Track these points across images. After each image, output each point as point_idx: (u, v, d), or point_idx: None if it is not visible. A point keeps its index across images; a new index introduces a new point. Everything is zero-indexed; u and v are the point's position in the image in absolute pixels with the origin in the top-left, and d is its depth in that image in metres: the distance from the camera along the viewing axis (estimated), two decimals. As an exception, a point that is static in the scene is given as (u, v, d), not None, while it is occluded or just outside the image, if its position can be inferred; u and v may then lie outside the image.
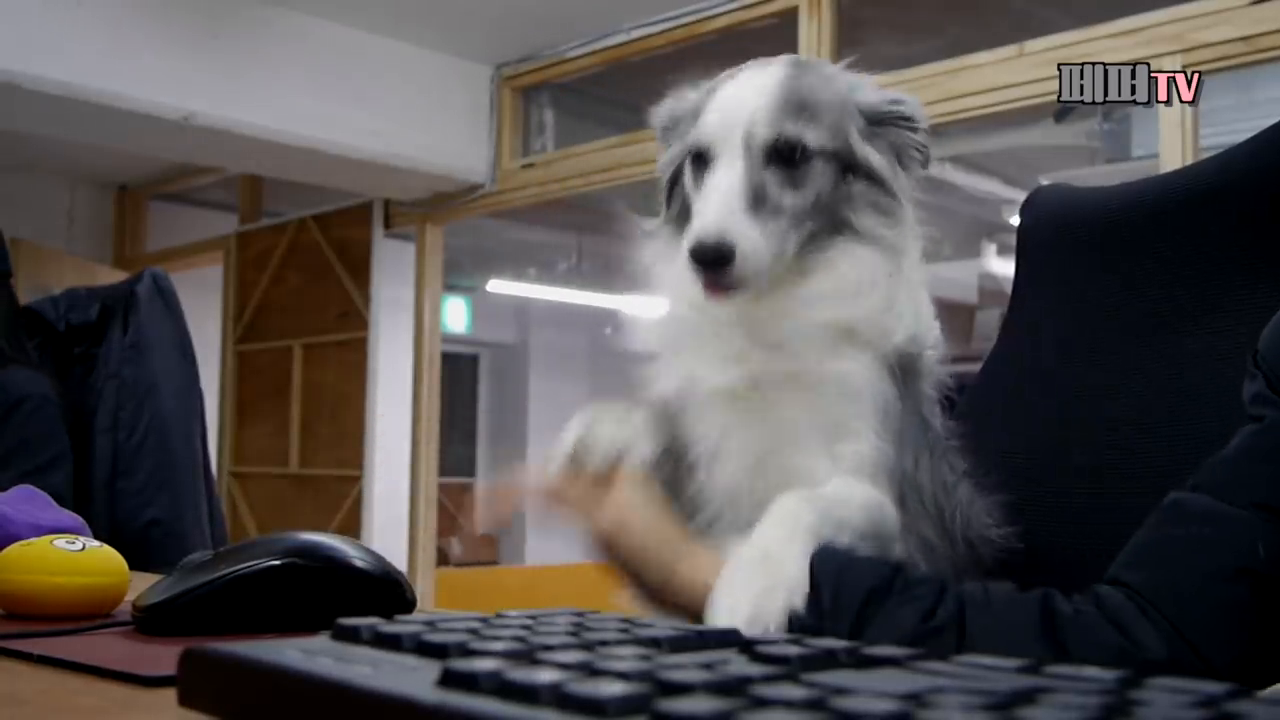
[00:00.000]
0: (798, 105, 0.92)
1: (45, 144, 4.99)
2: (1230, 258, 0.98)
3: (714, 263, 0.87)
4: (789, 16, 4.03)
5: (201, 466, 2.29)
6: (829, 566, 0.80)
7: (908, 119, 0.97)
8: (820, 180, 0.92)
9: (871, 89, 0.97)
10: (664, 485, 0.95)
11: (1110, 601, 0.76)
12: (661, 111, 1.05)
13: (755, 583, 0.79)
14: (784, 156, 0.91)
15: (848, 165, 0.94)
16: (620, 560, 0.90)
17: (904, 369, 0.94)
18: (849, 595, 0.78)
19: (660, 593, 0.88)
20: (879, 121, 0.96)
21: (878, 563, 0.82)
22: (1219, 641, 0.72)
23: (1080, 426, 1.04)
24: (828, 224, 0.94)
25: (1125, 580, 0.77)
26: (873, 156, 0.94)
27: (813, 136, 0.91)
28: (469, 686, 0.36)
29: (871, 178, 0.95)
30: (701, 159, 0.94)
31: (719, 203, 0.89)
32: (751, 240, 0.88)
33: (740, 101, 0.93)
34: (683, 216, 0.98)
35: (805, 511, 0.84)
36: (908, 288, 0.98)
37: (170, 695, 0.46)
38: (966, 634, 0.76)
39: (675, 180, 1.01)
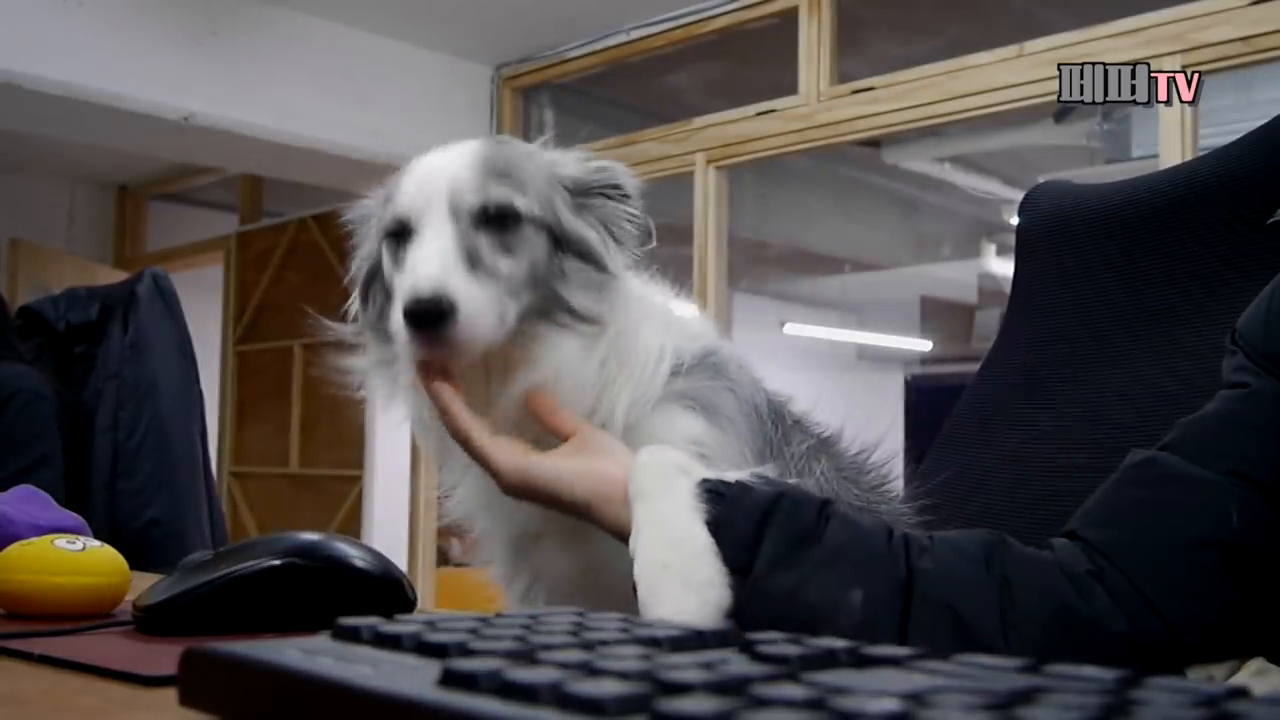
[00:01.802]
0: (501, 171, 0.87)
1: (45, 144, 4.99)
2: (1223, 255, 0.98)
3: (435, 319, 0.80)
4: (789, 16, 4.03)
5: (201, 466, 2.29)
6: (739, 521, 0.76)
7: (615, 187, 0.92)
8: (533, 249, 0.87)
9: (574, 162, 0.92)
10: None
11: (1064, 554, 0.74)
12: (351, 213, 0.99)
13: (675, 588, 0.74)
14: (494, 221, 0.86)
15: (558, 240, 0.89)
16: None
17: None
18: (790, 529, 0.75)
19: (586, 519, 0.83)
20: (585, 193, 0.91)
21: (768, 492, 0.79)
22: (1188, 609, 0.71)
23: (1080, 425, 1.04)
24: (541, 301, 0.88)
25: (1084, 536, 0.75)
26: (582, 230, 0.89)
27: (521, 202, 0.86)
28: (469, 686, 0.36)
29: (582, 253, 0.89)
30: (402, 234, 0.87)
31: (432, 260, 0.83)
32: (473, 296, 0.82)
33: (439, 171, 0.88)
34: (385, 317, 0.90)
35: (674, 473, 0.79)
36: (625, 360, 0.90)
37: (170, 695, 0.46)
38: (911, 547, 0.74)
39: (371, 279, 0.94)
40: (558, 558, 0.90)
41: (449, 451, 0.92)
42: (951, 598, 0.72)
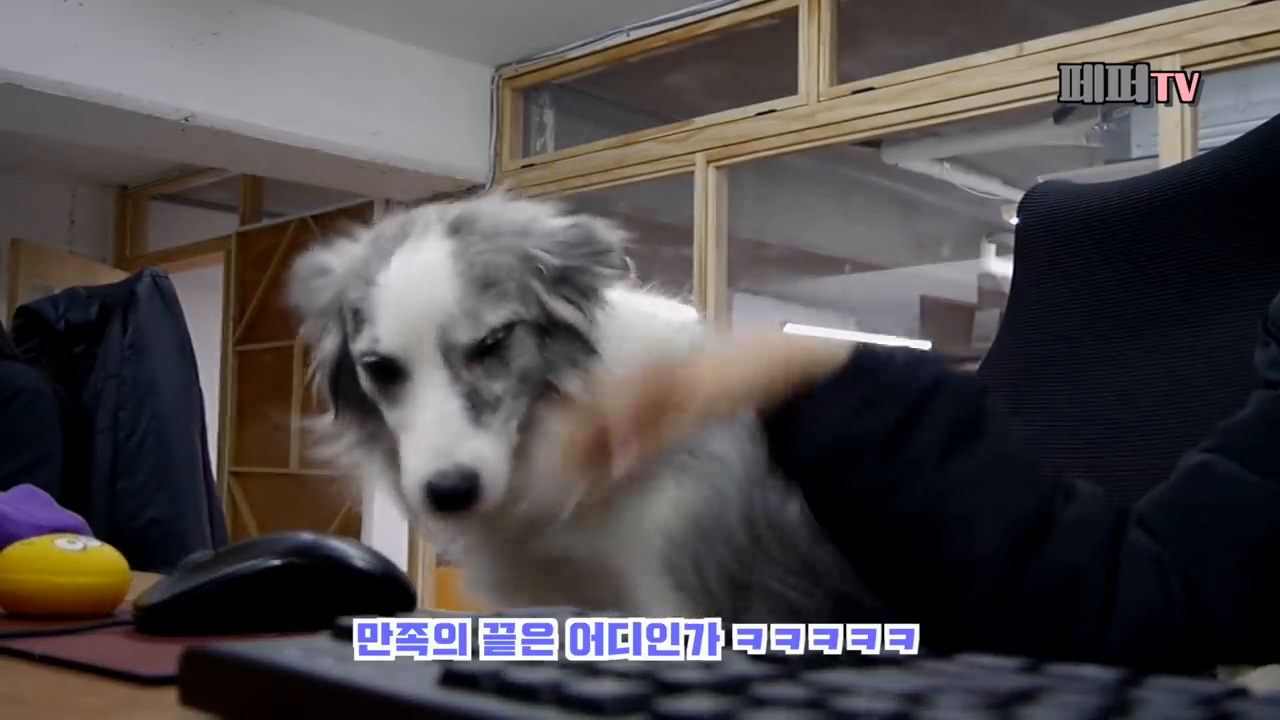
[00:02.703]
0: (482, 283, 0.82)
1: (45, 144, 4.98)
2: (1221, 256, 0.98)
3: (463, 503, 0.78)
4: (789, 16, 4.03)
5: (201, 466, 2.29)
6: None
7: (590, 245, 0.86)
8: (523, 353, 0.83)
9: (542, 228, 0.86)
10: None
11: (1151, 546, 0.74)
12: (302, 288, 0.93)
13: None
14: (487, 350, 0.81)
15: (543, 328, 0.84)
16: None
17: None
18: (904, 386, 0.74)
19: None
20: (563, 269, 0.85)
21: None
22: (1235, 612, 0.71)
23: (1078, 425, 1.04)
24: (533, 391, 0.84)
25: (1155, 530, 0.75)
26: (566, 312, 0.85)
27: (507, 312, 0.82)
28: (469, 686, 0.36)
29: (568, 332, 0.85)
30: (388, 371, 0.83)
31: (439, 428, 0.79)
32: (489, 461, 0.79)
33: (417, 297, 0.81)
34: (363, 410, 0.87)
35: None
36: None
37: (170, 695, 0.46)
38: (1061, 484, 0.74)
39: (339, 369, 0.89)
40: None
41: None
42: (1073, 565, 0.72)
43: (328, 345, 0.89)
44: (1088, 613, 0.71)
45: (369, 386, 0.85)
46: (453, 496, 0.77)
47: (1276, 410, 0.75)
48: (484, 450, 0.79)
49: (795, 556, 0.85)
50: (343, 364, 0.88)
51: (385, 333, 0.81)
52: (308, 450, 0.92)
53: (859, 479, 0.73)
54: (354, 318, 0.85)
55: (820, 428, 0.74)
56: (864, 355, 0.76)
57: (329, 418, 0.91)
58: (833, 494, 0.76)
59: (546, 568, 0.86)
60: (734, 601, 0.84)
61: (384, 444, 0.86)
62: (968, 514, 0.72)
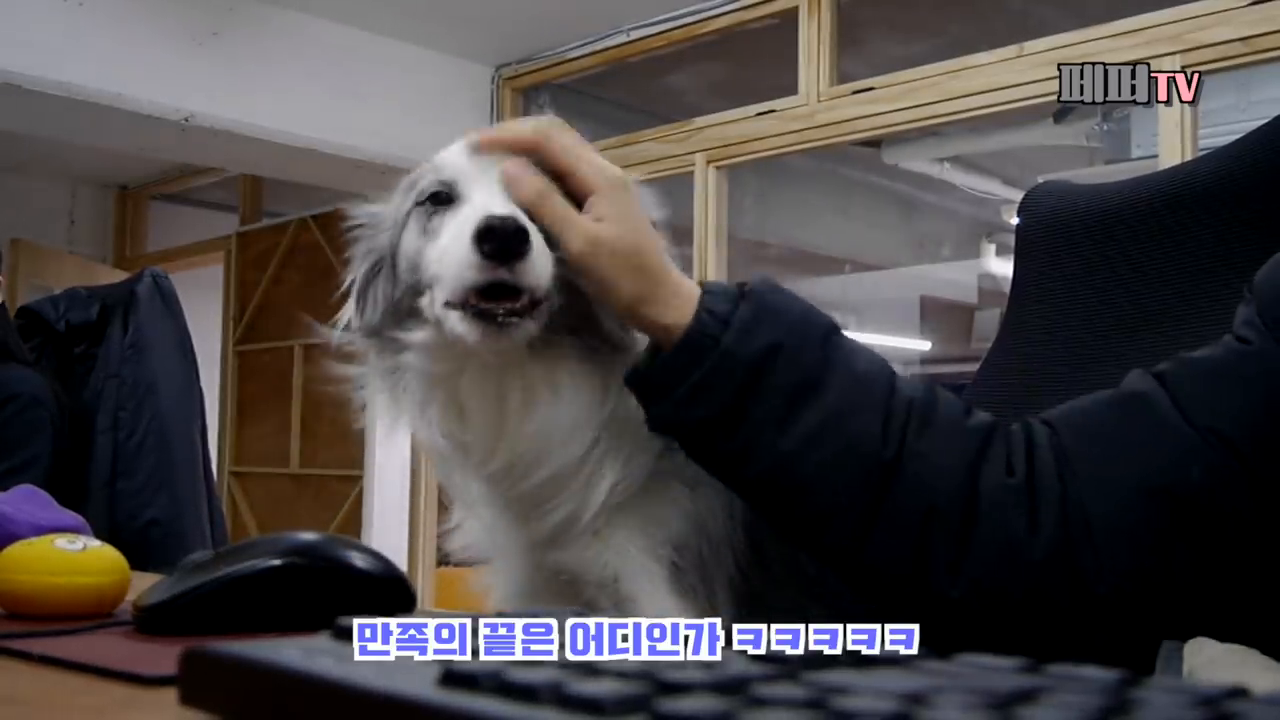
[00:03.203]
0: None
1: (45, 144, 4.99)
2: (1221, 256, 0.98)
3: (511, 238, 0.74)
4: (789, 16, 4.03)
5: (201, 466, 2.30)
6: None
7: None
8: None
9: None
10: None
11: (1042, 459, 0.74)
12: (354, 211, 0.93)
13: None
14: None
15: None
16: (592, 284, 0.79)
17: None
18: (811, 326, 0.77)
19: (628, 319, 0.80)
20: None
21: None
22: (1120, 551, 0.71)
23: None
24: (569, 314, 0.82)
25: (1061, 437, 0.75)
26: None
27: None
28: (469, 686, 0.36)
29: None
30: (444, 198, 0.83)
31: (498, 199, 0.78)
32: (539, 240, 0.77)
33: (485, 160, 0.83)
34: (390, 316, 0.86)
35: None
36: (622, 419, 0.85)
37: (170, 695, 0.46)
38: (913, 415, 0.75)
39: (373, 277, 0.88)
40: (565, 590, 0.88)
41: (458, 486, 0.91)
42: (927, 503, 0.73)
43: (368, 246, 0.90)
44: (944, 547, 0.72)
45: (414, 234, 0.84)
46: (507, 234, 0.74)
47: (1231, 364, 0.74)
48: (536, 232, 0.77)
49: (795, 568, 0.87)
50: (377, 273, 0.88)
51: (448, 162, 0.84)
52: (326, 367, 0.92)
53: (706, 451, 0.78)
54: (408, 192, 0.86)
55: (662, 409, 0.78)
56: (699, 328, 0.75)
57: (351, 331, 0.90)
58: (695, 455, 0.79)
59: (563, 578, 0.87)
60: (739, 610, 0.84)
61: (399, 379, 0.86)
62: (813, 474, 0.74)
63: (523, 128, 0.82)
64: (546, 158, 0.80)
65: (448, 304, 0.79)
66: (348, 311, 0.92)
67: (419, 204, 0.85)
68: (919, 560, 0.73)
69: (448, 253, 0.78)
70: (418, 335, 0.84)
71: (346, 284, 0.92)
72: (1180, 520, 0.71)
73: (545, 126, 0.81)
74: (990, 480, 0.74)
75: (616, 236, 0.77)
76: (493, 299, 0.77)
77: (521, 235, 0.75)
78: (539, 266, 0.77)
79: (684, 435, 0.79)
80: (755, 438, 0.75)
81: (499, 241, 0.75)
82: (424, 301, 0.83)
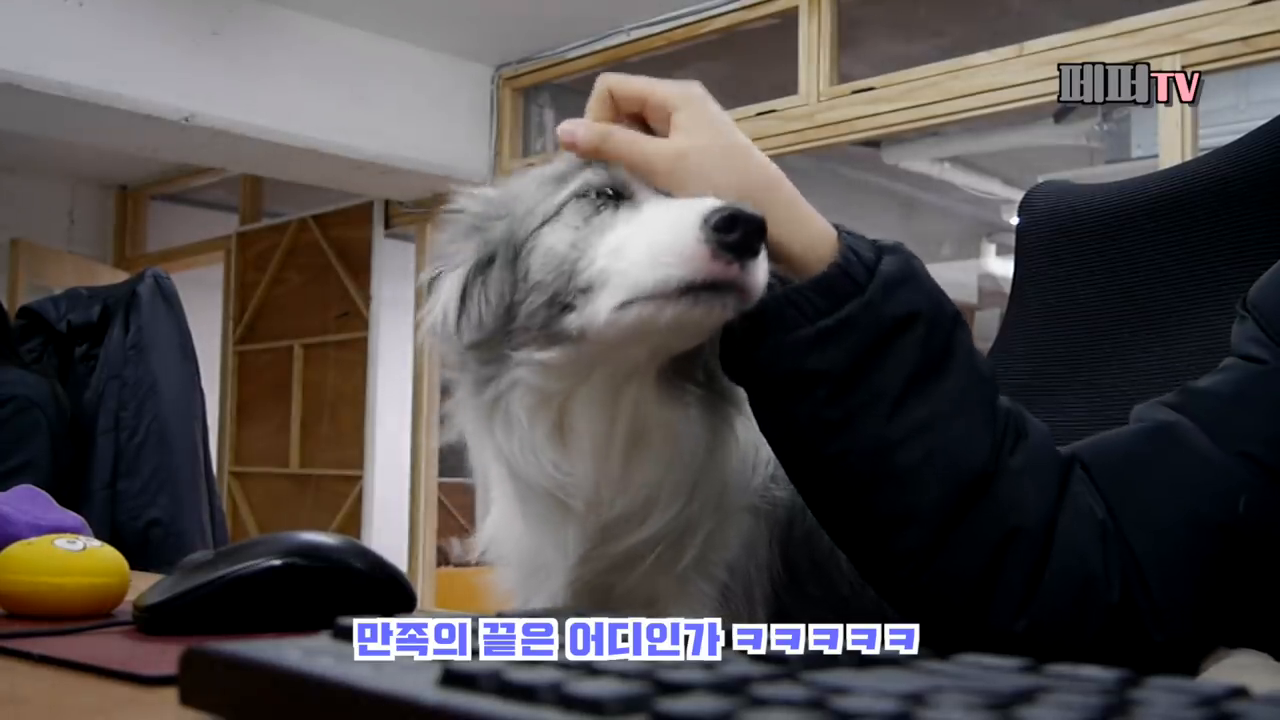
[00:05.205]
0: None
1: (46, 144, 4.99)
2: (1222, 256, 0.98)
3: (755, 237, 0.66)
4: (789, 16, 4.03)
5: (202, 466, 2.30)
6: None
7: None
8: None
9: None
10: None
11: (1083, 500, 0.71)
12: (465, 202, 0.83)
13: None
14: None
15: None
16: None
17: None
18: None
19: None
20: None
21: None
22: (1175, 591, 0.68)
23: (1079, 425, 1.04)
24: (691, 364, 0.77)
25: (1097, 481, 0.71)
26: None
27: None
28: (469, 686, 0.36)
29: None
30: (613, 195, 0.76)
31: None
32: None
33: None
34: (503, 321, 0.76)
35: None
36: (718, 464, 0.80)
37: (170, 695, 0.46)
38: (1009, 430, 0.70)
39: (482, 271, 0.78)
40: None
41: (519, 495, 0.82)
42: (1013, 524, 0.68)
43: (479, 239, 0.80)
44: (1016, 574, 0.68)
45: (572, 226, 0.75)
46: (753, 223, 0.66)
47: (1250, 388, 0.72)
48: None
49: (829, 587, 0.84)
50: (487, 267, 0.78)
51: (613, 168, 0.76)
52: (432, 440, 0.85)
53: (805, 412, 0.69)
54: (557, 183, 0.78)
55: (771, 349, 0.69)
56: (844, 267, 0.68)
57: (456, 334, 0.79)
58: (775, 417, 0.71)
59: (603, 593, 0.84)
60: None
61: (497, 391, 0.77)
62: (915, 464, 0.68)
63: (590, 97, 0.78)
64: (621, 102, 0.76)
65: (624, 304, 0.69)
66: (438, 310, 0.80)
67: (580, 196, 0.76)
68: (984, 584, 0.68)
69: (655, 244, 0.69)
70: (544, 354, 0.74)
71: (434, 276, 0.81)
72: (1230, 552, 0.69)
73: (600, 79, 0.77)
74: (1071, 511, 0.70)
75: (708, 141, 0.72)
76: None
77: (764, 227, 0.67)
78: (764, 269, 0.68)
79: (777, 387, 0.70)
80: (862, 412, 0.67)
81: (744, 230, 0.65)
82: (573, 305, 0.73)
